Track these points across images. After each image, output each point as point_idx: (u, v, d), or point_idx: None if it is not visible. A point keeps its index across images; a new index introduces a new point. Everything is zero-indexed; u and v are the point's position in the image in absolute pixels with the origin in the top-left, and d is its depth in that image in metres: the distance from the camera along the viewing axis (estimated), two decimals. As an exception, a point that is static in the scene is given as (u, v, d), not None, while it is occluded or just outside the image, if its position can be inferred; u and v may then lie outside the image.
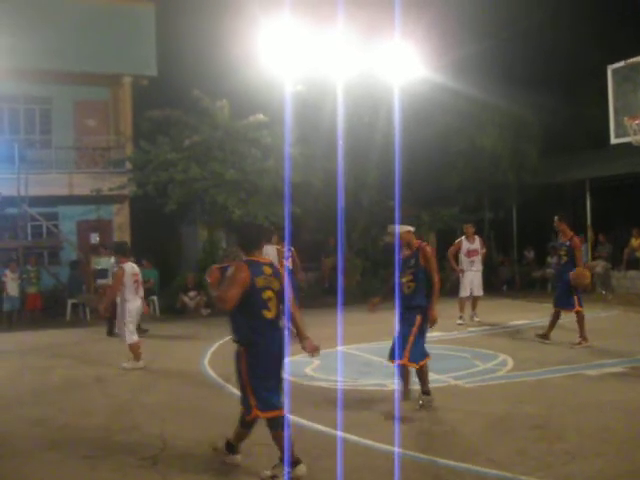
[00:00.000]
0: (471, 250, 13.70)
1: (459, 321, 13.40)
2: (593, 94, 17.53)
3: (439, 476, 5.35)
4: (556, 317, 11.09)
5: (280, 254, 11.49)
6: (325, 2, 14.87)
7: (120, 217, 19.89)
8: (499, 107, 19.39)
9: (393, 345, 7.41)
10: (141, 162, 17.50)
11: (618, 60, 14.56)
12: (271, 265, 5.59)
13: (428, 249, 7.43)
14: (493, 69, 19.43)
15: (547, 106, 19.74)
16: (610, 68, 14.67)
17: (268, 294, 5.38)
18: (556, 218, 10.96)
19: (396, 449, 5.80)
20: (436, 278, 7.35)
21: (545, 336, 11.11)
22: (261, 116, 17.11)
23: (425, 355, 7.39)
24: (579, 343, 10.56)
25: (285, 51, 15.95)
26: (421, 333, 7.32)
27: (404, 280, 7.37)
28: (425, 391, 7.30)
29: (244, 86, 16.91)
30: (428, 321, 7.35)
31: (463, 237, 13.90)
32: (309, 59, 16.26)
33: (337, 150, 16.13)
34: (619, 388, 7.88)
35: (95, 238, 19.81)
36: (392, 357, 7.40)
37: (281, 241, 11.95)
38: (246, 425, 5.58)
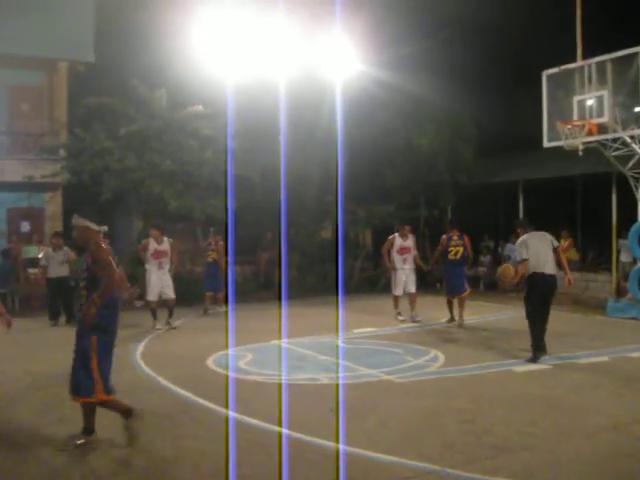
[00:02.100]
0: (404, 247, 13.47)
1: (400, 317, 13.35)
2: (528, 97, 17.89)
3: (367, 469, 5.41)
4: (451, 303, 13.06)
5: (172, 245, 12.83)
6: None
7: (52, 205, 19.43)
8: (437, 106, 19.66)
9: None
10: (76, 149, 17.14)
11: (553, 66, 14.89)
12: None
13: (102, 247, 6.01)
14: (432, 68, 19.66)
15: (484, 107, 20.10)
16: (545, 73, 14.99)
17: None
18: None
19: (330, 443, 5.85)
20: (107, 280, 5.80)
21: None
22: (200, 107, 16.97)
23: (104, 390, 5.93)
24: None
25: (226, 43, 15.85)
26: (103, 356, 5.91)
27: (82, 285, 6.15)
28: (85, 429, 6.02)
29: (184, 77, 16.70)
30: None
31: (397, 234, 13.68)
32: (250, 52, 16.17)
33: (277, 145, 16.11)
34: (546, 384, 8.08)
35: (26, 226, 19.34)
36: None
37: (160, 235, 12.73)
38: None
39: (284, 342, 10.95)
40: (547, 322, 9.63)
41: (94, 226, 6.05)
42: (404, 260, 13.49)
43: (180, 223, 18.30)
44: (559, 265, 9.86)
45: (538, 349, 9.41)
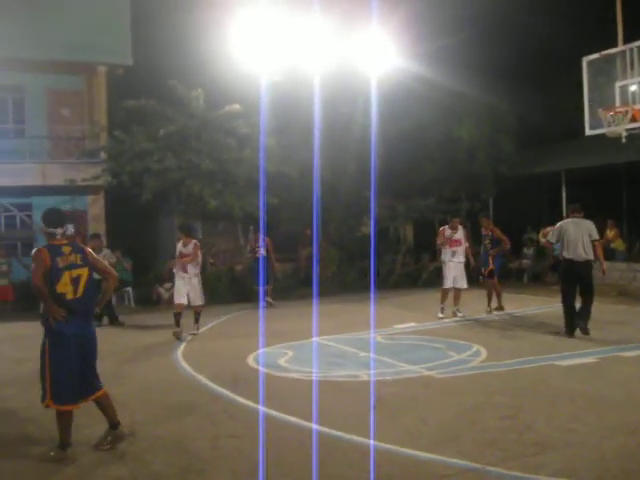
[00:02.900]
0: (453, 240, 13.19)
1: (440, 314, 13.01)
2: (568, 86, 17.58)
3: (406, 467, 5.34)
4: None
5: (196, 247, 11.83)
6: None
7: (95, 208, 19.67)
8: (475, 98, 19.41)
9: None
10: (116, 152, 17.31)
11: (593, 52, 14.58)
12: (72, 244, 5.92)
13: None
14: (469, 60, 19.43)
15: (523, 98, 19.79)
16: (585, 60, 14.70)
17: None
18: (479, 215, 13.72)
19: (368, 440, 5.79)
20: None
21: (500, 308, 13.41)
22: (237, 106, 16.99)
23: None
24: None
25: (261, 41, 15.84)
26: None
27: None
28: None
29: (220, 76, 16.76)
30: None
31: (447, 226, 13.38)
32: (286, 49, 16.14)
33: (313, 141, 16.06)
34: (589, 379, 7.92)
35: (70, 229, 19.58)
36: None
37: (185, 237, 12.03)
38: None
39: (324, 339, 10.92)
40: (587, 305, 10.68)
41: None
42: (453, 253, 13.20)
43: (221, 222, 18.41)
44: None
45: (569, 326, 10.60)
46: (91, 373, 5.90)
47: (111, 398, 6.10)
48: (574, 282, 10.70)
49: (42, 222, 5.98)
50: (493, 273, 13.54)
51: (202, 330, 12.25)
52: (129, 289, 16.48)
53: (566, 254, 10.59)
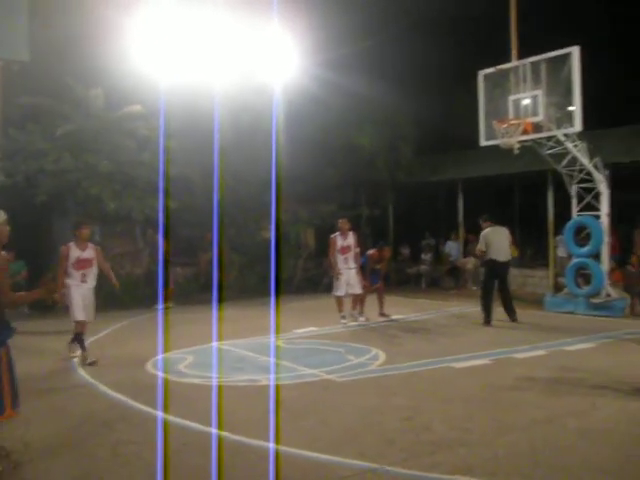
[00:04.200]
0: (344, 247, 13.05)
1: (343, 321, 12.97)
2: (467, 96, 18.11)
3: (306, 469, 5.38)
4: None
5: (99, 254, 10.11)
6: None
7: (-14, 208, 18.85)
8: (378, 105, 19.78)
9: None
10: (10, 151, 16.68)
11: (490, 65, 15.07)
12: None
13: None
14: (372, 68, 19.83)
15: (424, 107, 20.32)
16: (481, 73, 15.18)
17: None
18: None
19: (269, 444, 5.80)
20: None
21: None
22: (137, 107, 16.70)
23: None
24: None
25: (163, 43, 15.62)
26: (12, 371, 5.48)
27: None
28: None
29: (121, 77, 16.42)
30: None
31: (337, 233, 13.25)
32: (188, 51, 15.98)
33: (214, 145, 15.95)
34: (484, 379, 8.18)
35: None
36: None
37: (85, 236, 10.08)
38: None
39: (224, 344, 10.85)
40: (509, 298, 13.03)
41: None
42: (345, 260, 13.03)
43: (119, 225, 18.01)
44: None
45: (488, 317, 12.61)
46: None
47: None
48: (495, 279, 12.87)
49: None
50: (377, 280, 13.71)
51: (100, 335, 11.97)
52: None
53: (492, 256, 12.68)
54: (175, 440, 5.94)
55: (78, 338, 9.91)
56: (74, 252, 9.86)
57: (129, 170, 16.43)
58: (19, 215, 17.75)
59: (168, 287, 16.42)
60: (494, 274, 12.87)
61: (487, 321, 12.59)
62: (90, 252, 9.97)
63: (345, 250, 13.09)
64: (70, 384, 8.48)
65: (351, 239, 13.21)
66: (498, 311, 12.92)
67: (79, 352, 9.88)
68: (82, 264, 9.85)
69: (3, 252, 5.50)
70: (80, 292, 9.81)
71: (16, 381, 5.52)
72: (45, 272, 16.88)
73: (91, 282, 9.97)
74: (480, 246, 12.94)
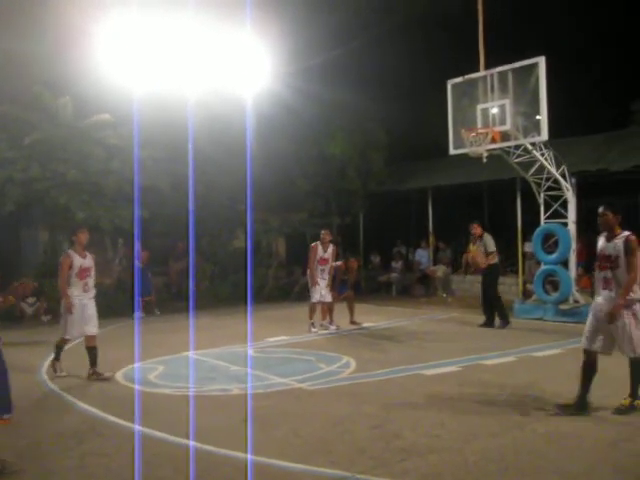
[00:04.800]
0: (324, 258, 13.22)
1: (313, 329, 13.10)
2: (437, 105, 18.25)
3: (278, 479, 5.39)
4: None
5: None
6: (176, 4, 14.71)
7: (-48, 218, 18.59)
8: (349, 115, 19.88)
9: None
10: (-24, 160, 16.49)
11: (459, 74, 15.21)
12: None
13: None
14: (343, 77, 19.88)
15: (394, 116, 20.44)
16: (450, 83, 15.32)
17: None
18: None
19: (241, 454, 5.79)
20: None
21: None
22: (106, 116, 16.58)
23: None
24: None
25: (133, 51, 15.55)
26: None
27: None
28: None
29: (90, 86, 16.30)
30: None
31: (318, 242, 13.34)
32: (158, 61, 15.92)
33: (186, 155, 15.90)
34: (454, 386, 8.25)
35: None
36: None
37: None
38: None
39: (195, 353, 10.81)
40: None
41: None
42: (322, 271, 13.22)
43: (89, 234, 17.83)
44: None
45: (506, 318, 13.27)
46: None
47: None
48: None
49: None
50: (345, 289, 14.01)
51: (70, 346, 11.84)
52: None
53: (496, 259, 13.50)
54: (145, 451, 5.90)
55: (59, 347, 9.64)
56: (77, 260, 9.26)
57: (98, 179, 16.30)
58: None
59: (150, 295, 16.68)
60: (498, 277, 13.98)
61: (507, 321, 13.18)
62: (90, 260, 9.49)
63: (323, 262, 13.27)
64: (39, 396, 8.39)
65: (330, 252, 13.33)
66: (475, 318, 13.05)
67: (64, 373, 9.52)
68: (85, 272, 9.37)
69: None
70: (82, 305, 9.36)
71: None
72: (11, 282, 16.71)
73: (92, 291, 9.55)
74: (492, 248, 13.36)
